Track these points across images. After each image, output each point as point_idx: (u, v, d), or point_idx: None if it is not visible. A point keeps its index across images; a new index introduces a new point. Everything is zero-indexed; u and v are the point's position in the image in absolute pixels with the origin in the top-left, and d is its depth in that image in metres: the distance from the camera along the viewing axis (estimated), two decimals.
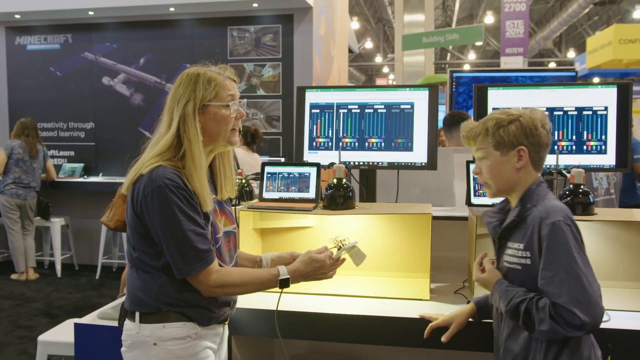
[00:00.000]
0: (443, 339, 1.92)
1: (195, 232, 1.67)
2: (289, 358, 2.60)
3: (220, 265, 1.77)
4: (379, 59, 27.38)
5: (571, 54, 24.99)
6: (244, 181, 2.75)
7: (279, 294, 1.89)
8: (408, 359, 2.48)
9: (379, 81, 26.64)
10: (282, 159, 6.26)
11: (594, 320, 1.52)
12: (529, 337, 1.66)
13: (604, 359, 1.71)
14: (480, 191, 2.44)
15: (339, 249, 1.91)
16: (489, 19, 21.61)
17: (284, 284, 1.79)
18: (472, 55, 27.28)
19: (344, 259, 1.92)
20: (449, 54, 27.93)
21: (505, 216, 1.81)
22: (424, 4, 16.79)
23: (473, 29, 14.36)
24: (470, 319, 1.96)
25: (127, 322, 1.76)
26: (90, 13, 6.65)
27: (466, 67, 24.99)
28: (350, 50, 9.68)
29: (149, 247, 1.71)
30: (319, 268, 1.85)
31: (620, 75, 17.56)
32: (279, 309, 1.93)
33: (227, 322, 1.90)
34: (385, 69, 28.86)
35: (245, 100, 1.86)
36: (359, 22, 23.78)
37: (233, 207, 2.00)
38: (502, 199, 1.87)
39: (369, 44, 26.26)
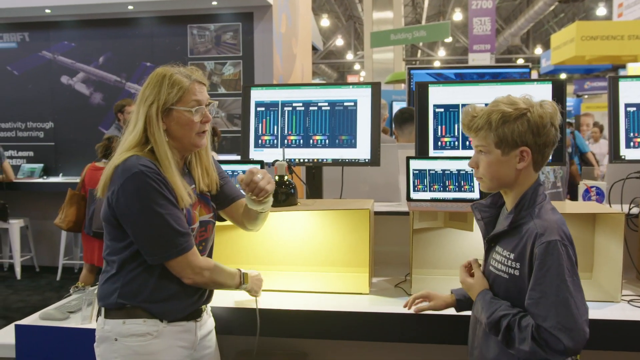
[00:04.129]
0: (413, 309, 1.88)
1: (174, 215, 1.70)
2: (236, 354, 2.61)
3: None
4: (350, 56, 27.47)
5: (538, 50, 25.41)
6: None
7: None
8: (350, 352, 2.51)
9: (350, 78, 26.71)
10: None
11: (576, 346, 1.46)
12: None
13: None
14: (420, 186, 2.48)
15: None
16: (458, 16, 21.89)
17: (245, 276, 1.98)
18: (442, 52, 27.55)
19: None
20: (419, 51, 28.16)
21: (497, 212, 1.71)
22: (393, 2, 16.89)
23: (440, 26, 14.49)
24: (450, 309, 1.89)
25: (99, 318, 1.80)
26: (47, 11, 6.55)
27: (436, 63, 25.21)
28: (314, 48, 9.69)
29: (117, 241, 1.74)
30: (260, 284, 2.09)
31: (585, 71, 17.91)
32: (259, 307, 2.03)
33: (199, 320, 1.87)
34: (357, 66, 28.96)
35: (215, 102, 1.85)
36: (329, 20, 23.82)
37: None
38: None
39: (340, 41, 26.31)
